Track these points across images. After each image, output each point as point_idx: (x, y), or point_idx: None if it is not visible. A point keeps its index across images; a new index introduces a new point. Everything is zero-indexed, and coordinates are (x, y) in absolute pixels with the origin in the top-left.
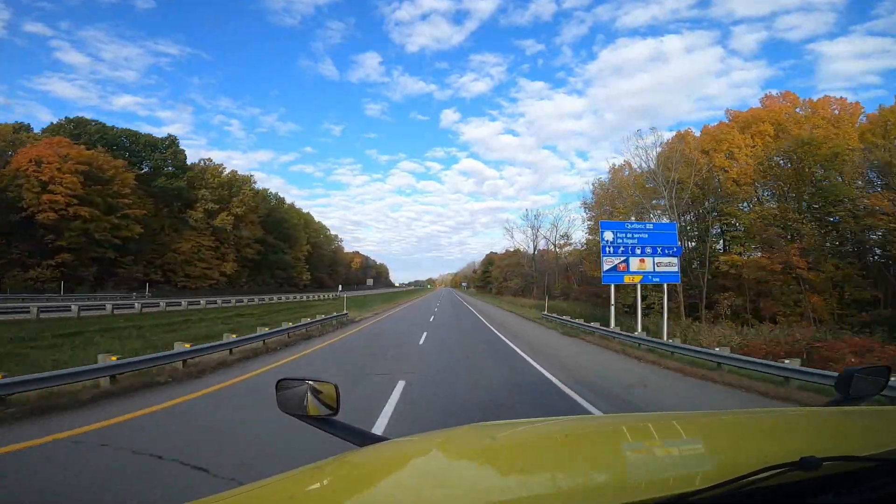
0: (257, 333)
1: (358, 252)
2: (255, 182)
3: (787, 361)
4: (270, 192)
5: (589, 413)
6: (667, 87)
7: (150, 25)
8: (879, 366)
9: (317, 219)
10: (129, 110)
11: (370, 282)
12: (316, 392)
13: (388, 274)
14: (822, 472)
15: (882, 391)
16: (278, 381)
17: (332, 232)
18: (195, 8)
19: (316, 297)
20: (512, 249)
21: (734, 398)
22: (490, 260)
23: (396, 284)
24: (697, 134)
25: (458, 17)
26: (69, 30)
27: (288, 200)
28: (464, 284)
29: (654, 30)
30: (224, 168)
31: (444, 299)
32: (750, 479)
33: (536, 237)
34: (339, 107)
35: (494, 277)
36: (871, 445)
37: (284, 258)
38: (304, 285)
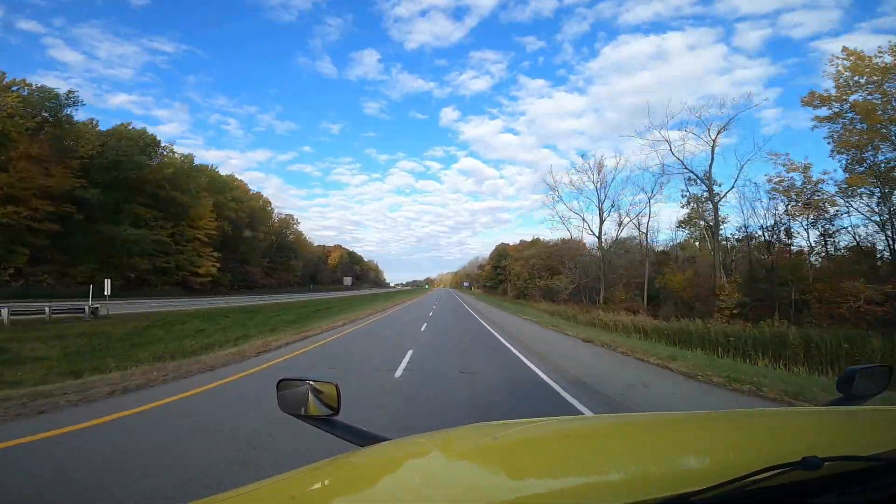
0: None
1: (340, 245)
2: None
3: None
4: (135, 129)
5: None
6: (669, 86)
7: (144, 22)
8: (881, 365)
9: (251, 187)
10: (125, 109)
11: (348, 281)
12: (317, 392)
13: (378, 272)
14: (824, 472)
15: (884, 391)
16: (279, 381)
17: (285, 212)
18: (190, 4)
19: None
20: (528, 239)
21: None
22: (502, 252)
23: (392, 285)
24: None
25: (458, 14)
26: (63, 27)
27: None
28: (465, 284)
29: (656, 27)
30: None
31: (443, 305)
32: (751, 478)
33: (602, 202)
34: (337, 105)
35: (515, 274)
36: (873, 445)
37: (138, 235)
38: (208, 284)
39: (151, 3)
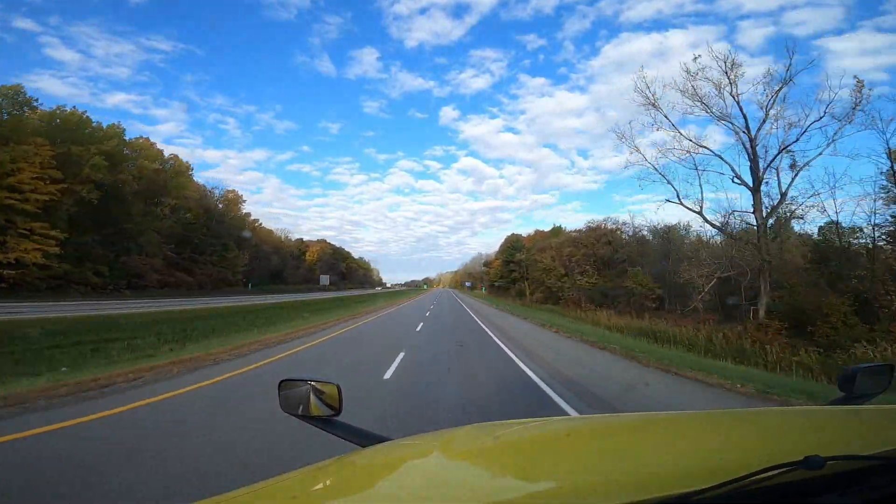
0: None
1: (325, 240)
2: None
3: None
4: None
5: None
6: (670, 84)
7: (141, 21)
8: (883, 364)
9: (171, 153)
10: (123, 108)
11: (324, 280)
12: (318, 392)
13: (370, 271)
14: (826, 472)
15: (885, 389)
16: (281, 382)
17: (229, 186)
18: (188, 2)
19: None
20: (537, 227)
21: None
22: (514, 244)
23: (388, 285)
24: None
25: (458, 11)
26: (59, 25)
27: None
28: (467, 284)
29: (658, 24)
30: None
31: (441, 308)
32: (753, 478)
33: (754, 136)
34: (336, 104)
35: (542, 269)
36: (875, 444)
37: None
38: (34, 280)
39: (148, 1)
